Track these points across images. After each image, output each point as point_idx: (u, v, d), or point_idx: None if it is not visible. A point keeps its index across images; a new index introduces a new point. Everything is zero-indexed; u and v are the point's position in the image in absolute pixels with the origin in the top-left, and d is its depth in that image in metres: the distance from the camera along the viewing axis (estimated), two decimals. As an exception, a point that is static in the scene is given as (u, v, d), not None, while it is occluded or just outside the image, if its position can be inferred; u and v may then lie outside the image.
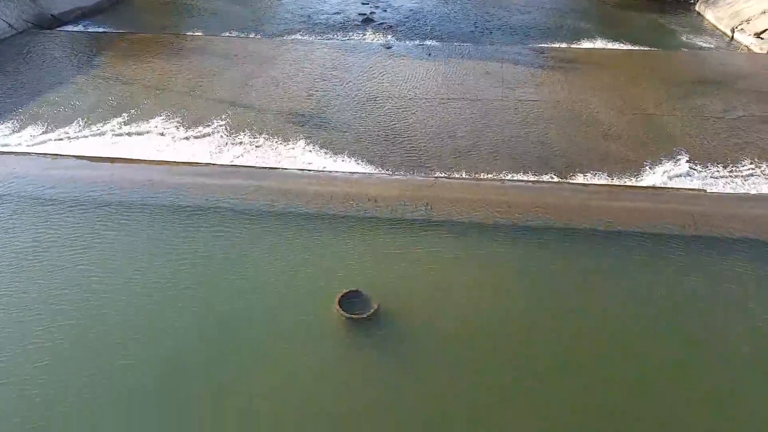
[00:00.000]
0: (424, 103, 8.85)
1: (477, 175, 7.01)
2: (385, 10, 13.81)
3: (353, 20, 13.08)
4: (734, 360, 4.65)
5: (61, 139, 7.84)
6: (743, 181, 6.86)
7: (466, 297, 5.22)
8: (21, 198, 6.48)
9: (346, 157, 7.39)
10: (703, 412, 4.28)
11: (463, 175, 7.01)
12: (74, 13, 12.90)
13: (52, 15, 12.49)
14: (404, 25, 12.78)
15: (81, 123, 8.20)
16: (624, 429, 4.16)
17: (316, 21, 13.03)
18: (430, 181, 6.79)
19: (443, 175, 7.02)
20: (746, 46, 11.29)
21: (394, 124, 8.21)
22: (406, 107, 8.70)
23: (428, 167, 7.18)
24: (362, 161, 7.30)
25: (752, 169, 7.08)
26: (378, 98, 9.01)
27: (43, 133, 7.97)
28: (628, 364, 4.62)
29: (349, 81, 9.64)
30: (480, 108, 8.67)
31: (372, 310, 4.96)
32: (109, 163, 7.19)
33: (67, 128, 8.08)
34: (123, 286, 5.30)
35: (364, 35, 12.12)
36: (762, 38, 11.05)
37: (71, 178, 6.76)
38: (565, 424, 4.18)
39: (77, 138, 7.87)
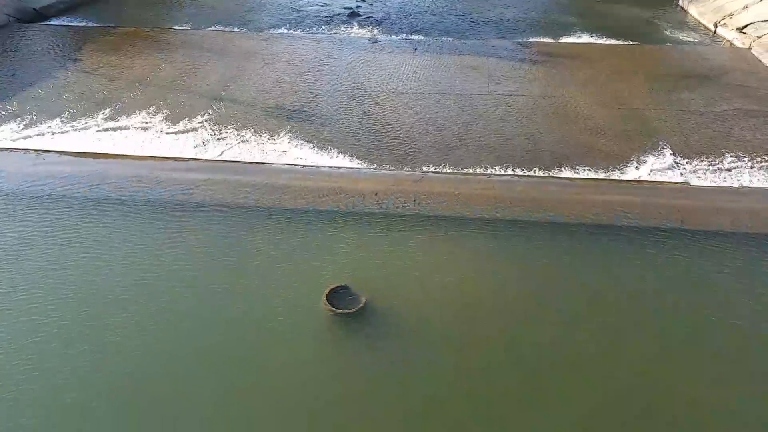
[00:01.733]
0: (410, 97, 8.86)
1: (464, 170, 7.03)
2: (371, 4, 13.77)
3: (339, 14, 13.04)
4: (720, 352, 4.72)
5: (43, 135, 7.75)
6: (726, 174, 6.94)
7: (455, 291, 5.25)
8: (3, 194, 6.43)
9: (333, 151, 7.38)
10: (686, 403, 4.34)
11: (451, 170, 7.04)
12: (57, 7, 12.74)
13: (34, 9, 12.32)
14: (390, 19, 12.76)
15: (64, 118, 8.12)
16: (614, 422, 4.22)
17: (302, 15, 12.97)
18: (418, 176, 6.81)
19: (431, 169, 7.03)
20: (729, 41, 11.39)
21: (381, 118, 8.21)
22: (392, 102, 8.71)
23: (416, 162, 7.19)
24: (349, 156, 7.30)
25: (735, 162, 7.16)
26: (365, 92, 9.00)
27: (25, 128, 7.88)
28: (615, 356, 4.68)
29: (336, 75, 9.62)
30: (466, 102, 8.69)
31: (360, 305, 4.98)
32: (93, 159, 7.13)
33: (50, 123, 8.00)
34: (107, 282, 5.28)
35: (350, 29, 12.08)
36: (744, 33, 11.16)
37: (54, 174, 6.70)
38: (555, 417, 4.22)
39: (60, 133, 7.79)
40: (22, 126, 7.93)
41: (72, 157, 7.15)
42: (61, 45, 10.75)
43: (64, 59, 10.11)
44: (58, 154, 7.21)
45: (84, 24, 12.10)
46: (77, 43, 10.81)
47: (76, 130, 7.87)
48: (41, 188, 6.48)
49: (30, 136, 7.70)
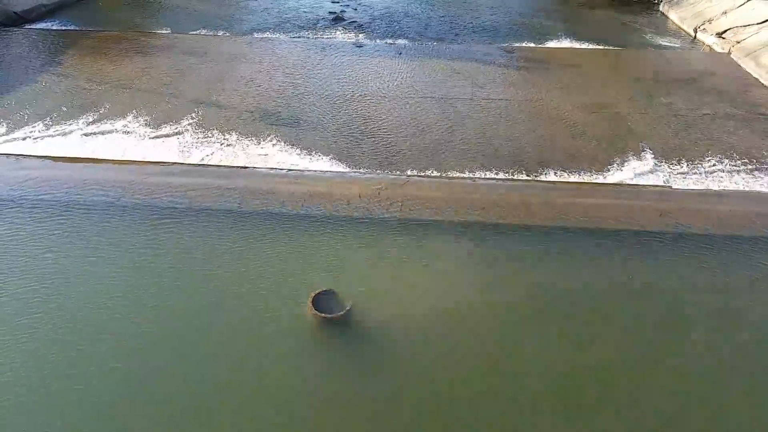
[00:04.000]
0: (395, 101, 8.88)
1: (448, 174, 7.06)
2: (355, 9, 13.80)
3: (324, 19, 13.05)
4: (702, 356, 4.78)
5: (25, 139, 7.67)
6: (706, 178, 7.04)
7: (440, 295, 5.26)
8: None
9: (317, 155, 7.38)
10: (670, 408, 4.39)
11: (435, 174, 7.06)
12: (38, 11, 12.61)
13: (15, 12, 12.19)
14: (374, 24, 12.79)
15: (46, 123, 8.03)
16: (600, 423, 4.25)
17: (286, 19, 12.96)
18: (402, 180, 6.83)
19: (415, 173, 7.05)
20: (708, 46, 11.57)
21: (366, 122, 8.22)
22: (377, 106, 8.73)
23: (400, 165, 7.21)
24: (334, 160, 7.30)
25: (715, 165, 7.26)
26: (349, 97, 9.01)
27: (6, 133, 7.79)
28: (601, 358, 4.72)
29: (320, 79, 9.62)
30: (450, 107, 8.74)
31: (345, 310, 4.98)
32: (76, 164, 7.07)
33: (31, 128, 7.91)
34: (89, 289, 5.23)
35: (335, 34, 12.10)
36: (723, 38, 11.34)
37: (36, 179, 6.63)
38: (546, 423, 4.25)
39: (42, 138, 7.70)
40: (2, 131, 7.83)
41: (54, 162, 7.08)
42: (42, 49, 10.65)
43: (46, 63, 10.02)
44: (40, 159, 7.14)
45: (66, 28, 12.00)
46: (59, 47, 10.72)
47: (58, 134, 7.79)
48: (23, 193, 6.40)
49: (11, 141, 7.61)
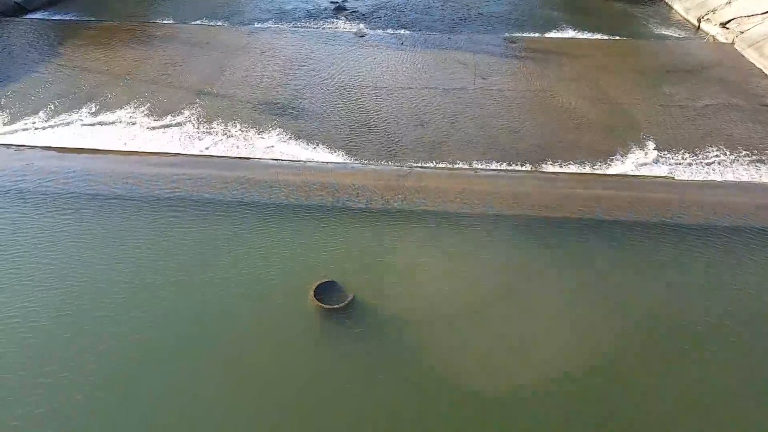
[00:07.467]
0: (397, 92, 8.86)
1: (451, 165, 7.05)
2: (357, -1, 13.76)
3: (325, 9, 13.00)
4: (701, 352, 4.78)
5: (26, 129, 7.66)
6: (709, 168, 7.02)
7: (442, 287, 5.26)
8: (-14, 190, 6.36)
9: (320, 146, 7.37)
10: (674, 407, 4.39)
11: (437, 165, 7.05)
12: (39, 1, 12.58)
13: (16, 2, 12.15)
14: (376, 14, 12.74)
15: (47, 113, 8.03)
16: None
17: (287, 9, 12.91)
18: (405, 171, 6.81)
19: (417, 164, 7.04)
20: (712, 36, 11.50)
21: (368, 113, 8.20)
22: (379, 96, 8.70)
23: (402, 156, 7.20)
24: (336, 150, 7.29)
25: (718, 156, 7.24)
26: (351, 87, 8.99)
27: (7, 123, 7.79)
28: (605, 352, 4.72)
29: (322, 70, 9.59)
30: (453, 97, 8.71)
31: (347, 301, 4.98)
32: (77, 154, 7.06)
33: (32, 118, 7.90)
34: (91, 280, 5.23)
35: (337, 24, 12.06)
36: (727, 28, 11.27)
37: (37, 170, 6.63)
38: (544, 415, 4.26)
39: (44, 128, 7.70)
40: (3, 121, 7.83)
41: (56, 153, 7.07)
42: (43, 39, 10.63)
43: (47, 53, 9.99)
44: (41, 150, 7.13)
45: (67, 18, 11.96)
46: (60, 37, 10.69)
47: (59, 125, 7.78)
48: (22, 184, 6.40)
49: (12, 132, 7.61)
